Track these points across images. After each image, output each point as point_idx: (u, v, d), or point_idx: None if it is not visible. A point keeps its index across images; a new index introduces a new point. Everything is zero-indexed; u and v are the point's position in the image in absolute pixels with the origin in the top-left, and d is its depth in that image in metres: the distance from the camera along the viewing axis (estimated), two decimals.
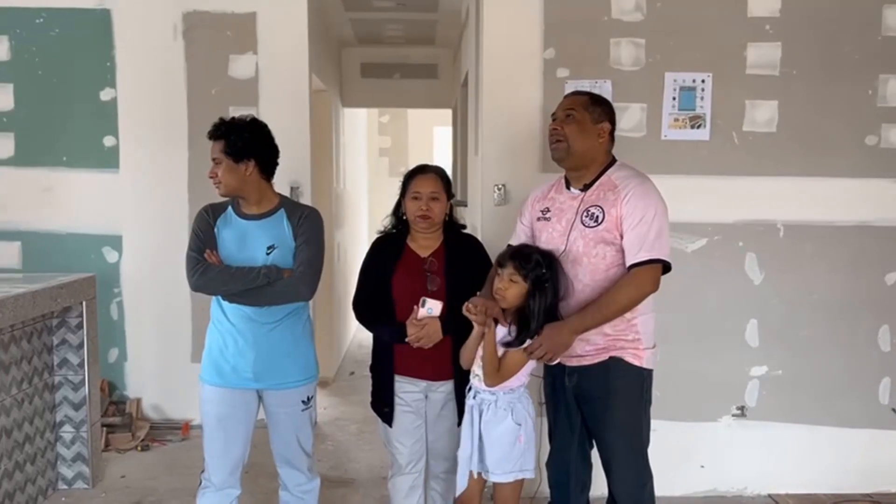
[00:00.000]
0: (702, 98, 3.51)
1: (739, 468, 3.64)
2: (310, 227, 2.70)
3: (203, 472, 2.79)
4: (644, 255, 2.45)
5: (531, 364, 2.57)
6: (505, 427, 2.54)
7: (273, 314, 2.68)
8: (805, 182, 3.56)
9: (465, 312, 2.49)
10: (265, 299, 2.63)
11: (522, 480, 2.60)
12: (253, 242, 2.68)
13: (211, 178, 2.68)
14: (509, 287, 2.48)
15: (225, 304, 2.69)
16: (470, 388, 2.63)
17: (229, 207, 2.75)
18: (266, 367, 2.69)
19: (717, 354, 3.60)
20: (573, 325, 2.46)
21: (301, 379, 2.76)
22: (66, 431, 3.64)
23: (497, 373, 2.50)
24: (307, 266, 2.65)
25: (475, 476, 2.60)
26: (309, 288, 2.67)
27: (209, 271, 2.62)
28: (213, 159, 2.67)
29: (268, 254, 2.66)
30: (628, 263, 2.48)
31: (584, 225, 2.54)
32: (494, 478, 2.58)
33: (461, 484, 2.63)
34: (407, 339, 2.66)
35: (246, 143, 2.65)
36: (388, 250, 2.80)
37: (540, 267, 2.47)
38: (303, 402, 2.77)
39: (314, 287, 2.69)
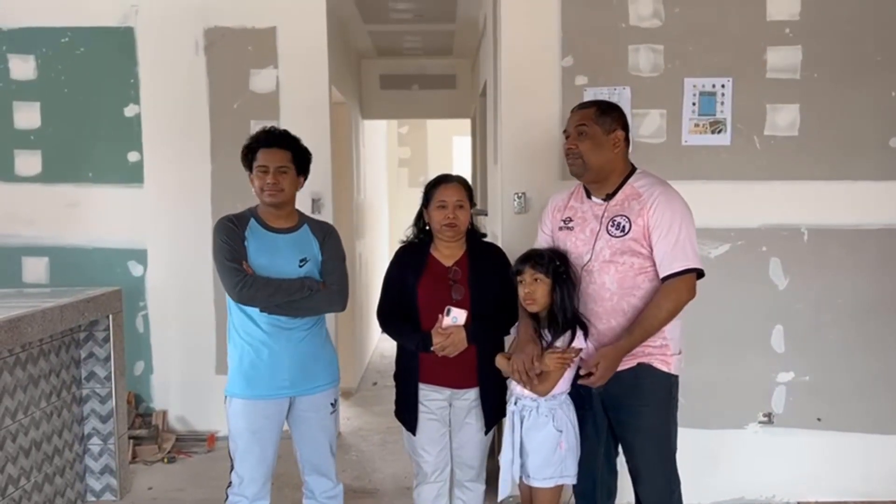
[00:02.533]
0: (722, 103, 3.49)
1: (768, 475, 3.59)
2: (336, 242, 2.84)
3: (229, 486, 2.79)
4: (678, 266, 2.46)
5: (572, 370, 2.57)
6: (546, 433, 2.55)
7: (305, 322, 2.76)
8: (829, 185, 3.52)
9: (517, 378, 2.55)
10: (304, 310, 2.71)
11: (562, 486, 2.61)
12: (284, 255, 2.73)
13: (271, 184, 2.70)
14: (536, 288, 2.52)
15: (256, 315, 2.70)
16: (511, 395, 2.65)
17: (252, 219, 2.77)
18: (300, 374, 2.75)
19: (742, 361, 3.56)
20: (623, 347, 2.47)
21: (329, 382, 2.84)
22: (94, 444, 3.68)
23: (542, 384, 2.52)
24: (341, 279, 2.79)
25: (516, 481, 2.63)
26: (345, 300, 2.80)
27: (256, 283, 2.64)
28: (280, 168, 2.71)
29: (300, 266, 2.73)
30: (662, 275, 2.48)
31: (609, 234, 2.53)
32: (535, 483, 2.59)
33: (503, 490, 2.64)
34: (432, 348, 2.67)
35: (308, 159, 2.81)
36: (411, 260, 2.82)
37: (554, 260, 2.53)
38: (331, 404, 2.85)
39: (347, 299, 2.82)
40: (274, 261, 2.71)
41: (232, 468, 2.79)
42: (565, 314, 2.51)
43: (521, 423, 2.59)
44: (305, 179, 2.84)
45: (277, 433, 2.78)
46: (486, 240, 2.94)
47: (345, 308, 2.82)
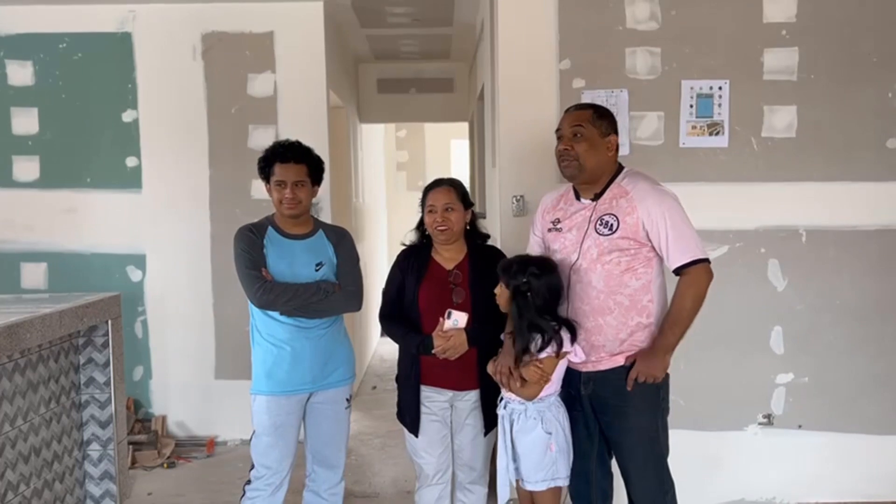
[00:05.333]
0: (719, 105, 3.49)
1: (768, 477, 3.59)
2: (350, 246, 2.98)
3: (248, 483, 2.90)
4: (688, 258, 2.50)
5: (561, 371, 2.57)
6: (535, 436, 2.56)
7: (324, 321, 2.88)
8: (826, 187, 3.52)
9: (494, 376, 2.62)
10: (321, 312, 2.84)
11: (560, 488, 2.61)
12: (301, 260, 2.86)
13: (290, 198, 2.80)
14: (501, 295, 2.58)
15: (279, 318, 2.82)
16: (501, 399, 2.66)
17: (269, 228, 2.89)
18: (320, 369, 2.88)
19: (741, 362, 3.56)
20: (663, 346, 2.51)
21: (346, 378, 2.97)
22: (94, 449, 3.67)
23: (525, 388, 2.52)
24: (355, 280, 2.93)
25: (513, 484, 2.64)
26: (360, 301, 2.94)
27: (275, 289, 2.76)
28: (297, 182, 2.82)
29: (316, 270, 2.85)
30: (674, 267, 2.52)
31: (598, 233, 2.55)
32: (529, 486, 2.61)
33: (502, 495, 2.65)
34: (433, 351, 2.69)
35: (321, 168, 2.93)
36: (413, 262, 2.85)
37: (517, 277, 2.52)
38: (346, 400, 2.97)
39: (362, 299, 2.95)
40: (292, 266, 2.84)
41: (252, 466, 2.89)
42: (517, 325, 2.51)
43: (511, 426, 2.60)
44: (319, 187, 2.96)
45: (298, 428, 2.92)
46: (488, 243, 2.94)
47: (360, 308, 2.95)
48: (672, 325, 2.51)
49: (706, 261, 2.53)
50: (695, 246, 2.52)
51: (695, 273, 2.51)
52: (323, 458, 2.96)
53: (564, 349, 2.51)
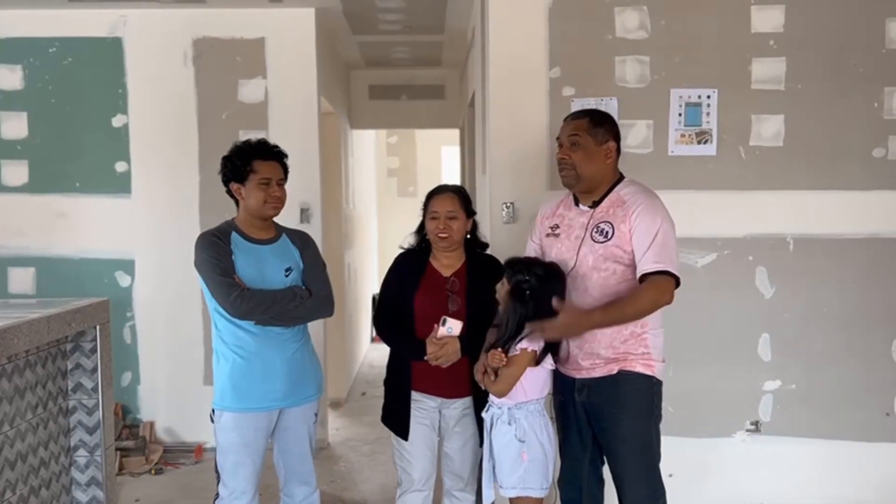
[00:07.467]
0: (708, 114, 3.52)
1: (755, 484, 3.61)
2: (315, 250, 2.89)
3: (217, 498, 2.77)
4: (655, 267, 2.46)
5: (537, 379, 2.58)
6: (506, 440, 2.57)
7: (297, 334, 2.78)
8: (814, 195, 3.55)
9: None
10: (296, 319, 2.74)
11: (537, 500, 2.61)
12: (269, 266, 2.75)
13: (277, 196, 2.73)
14: (501, 289, 2.57)
15: (250, 328, 2.69)
16: (487, 401, 2.67)
17: (233, 233, 2.77)
18: (293, 385, 2.77)
19: (729, 369, 3.58)
20: (594, 318, 2.45)
21: (315, 394, 2.88)
22: (81, 456, 3.65)
23: (494, 383, 2.54)
24: (325, 285, 2.83)
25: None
26: (332, 306, 2.85)
27: (253, 297, 2.63)
28: (280, 180, 2.75)
29: (286, 276, 2.75)
30: (639, 273, 2.48)
31: (593, 240, 2.56)
32: (501, 491, 2.61)
33: (487, 497, 2.66)
34: (426, 357, 2.69)
35: (288, 169, 2.82)
36: (411, 267, 2.85)
37: (521, 273, 2.52)
38: (314, 414, 2.89)
39: (334, 304, 2.87)
40: (262, 272, 2.72)
41: (219, 481, 2.76)
42: (507, 326, 2.52)
43: (491, 429, 2.61)
44: None
45: (266, 444, 2.80)
46: (487, 252, 2.94)
47: (333, 313, 2.87)
48: (617, 309, 2.44)
49: (676, 280, 2.49)
50: (671, 261, 2.48)
51: (659, 282, 2.45)
52: (296, 475, 2.87)
53: (532, 347, 2.50)
